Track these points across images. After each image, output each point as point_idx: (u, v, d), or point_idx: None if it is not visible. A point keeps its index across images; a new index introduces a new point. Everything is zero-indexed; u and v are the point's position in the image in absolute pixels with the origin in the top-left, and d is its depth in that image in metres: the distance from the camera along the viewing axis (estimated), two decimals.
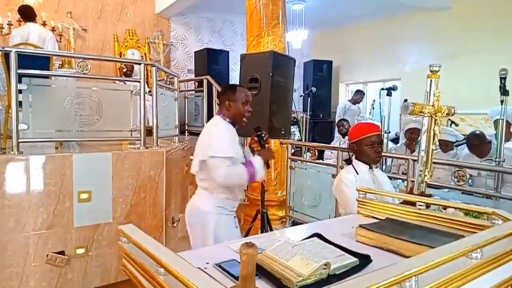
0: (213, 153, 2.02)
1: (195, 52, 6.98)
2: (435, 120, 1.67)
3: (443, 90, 1.72)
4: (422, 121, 1.71)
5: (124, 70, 5.88)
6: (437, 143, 1.84)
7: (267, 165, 2.19)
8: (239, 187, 2.24)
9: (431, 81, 1.65)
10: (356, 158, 2.17)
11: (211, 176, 2.05)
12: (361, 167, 2.12)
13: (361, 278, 0.71)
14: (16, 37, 4.53)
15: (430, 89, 1.65)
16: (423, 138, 1.72)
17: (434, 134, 1.69)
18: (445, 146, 3.98)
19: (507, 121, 2.99)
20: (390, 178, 2.59)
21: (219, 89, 5.30)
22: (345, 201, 2.06)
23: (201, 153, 2.10)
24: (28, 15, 4.75)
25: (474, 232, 1.12)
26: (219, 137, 2.07)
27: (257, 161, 2.12)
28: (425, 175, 1.72)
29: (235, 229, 2.25)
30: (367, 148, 2.09)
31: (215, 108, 5.32)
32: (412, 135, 4.39)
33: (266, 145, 2.29)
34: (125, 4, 6.88)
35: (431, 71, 1.64)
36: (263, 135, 2.27)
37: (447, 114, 1.72)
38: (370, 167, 2.14)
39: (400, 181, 3.22)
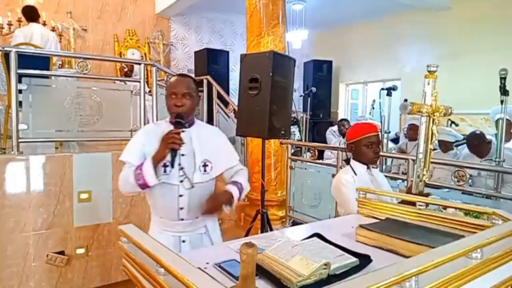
0: (122, 156, 1.75)
1: (195, 52, 6.98)
2: (433, 119, 1.68)
3: (443, 90, 1.72)
4: (420, 120, 1.72)
5: (125, 69, 5.88)
6: (436, 142, 1.85)
7: (171, 164, 1.66)
8: (162, 203, 1.77)
9: (428, 81, 1.66)
10: (354, 158, 2.17)
11: None
12: (359, 167, 2.12)
13: (361, 278, 0.71)
14: (19, 37, 4.53)
15: (427, 89, 1.66)
16: (421, 138, 1.72)
17: (432, 133, 1.69)
18: (444, 146, 3.98)
19: (507, 120, 2.99)
20: (390, 178, 2.60)
21: (219, 89, 5.31)
22: (344, 202, 2.06)
23: None
24: (31, 16, 4.76)
25: (474, 232, 1.12)
26: (131, 141, 1.81)
27: (148, 159, 1.64)
28: (423, 175, 1.73)
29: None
30: (365, 148, 2.09)
31: (215, 108, 5.32)
32: (410, 131, 4.46)
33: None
34: (125, 4, 6.88)
35: (429, 71, 1.65)
36: (178, 124, 1.71)
37: (445, 114, 1.72)
38: (368, 168, 2.14)
39: (400, 181, 3.22)
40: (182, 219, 1.75)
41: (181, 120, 1.72)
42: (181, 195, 1.73)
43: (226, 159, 1.86)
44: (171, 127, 1.71)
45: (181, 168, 1.72)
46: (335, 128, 5.87)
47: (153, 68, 3.42)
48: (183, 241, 1.75)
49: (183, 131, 1.70)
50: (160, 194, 1.74)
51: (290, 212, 3.94)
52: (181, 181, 1.72)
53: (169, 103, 1.75)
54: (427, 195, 1.72)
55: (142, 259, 0.89)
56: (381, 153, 2.25)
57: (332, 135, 5.86)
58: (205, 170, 1.77)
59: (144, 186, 1.64)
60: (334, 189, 2.16)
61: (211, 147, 1.81)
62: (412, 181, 1.83)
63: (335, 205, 3.28)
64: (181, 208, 1.74)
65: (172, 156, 1.65)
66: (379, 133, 2.23)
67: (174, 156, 1.66)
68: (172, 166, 1.67)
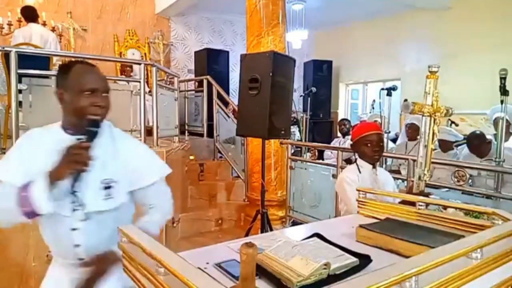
0: None
1: (195, 52, 6.99)
2: (434, 119, 1.69)
3: (443, 90, 1.73)
4: (421, 120, 1.72)
5: (128, 69, 5.89)
6: (436, 142, 1.85)
7: (75, 181, 1.24)
8: (53, 239, 1.39)
9: (429, 81, 1.66)
10: (359, 157, 2.20)
11: None
12: (365, 166, 2.15)
13: (361, 278, 0.71)
14: (18, 37, 4.54)
15: (429, 90, 1.66)
16: (422, 138, 1.73)
17: (434, 133, 1.70)
18: (444, 146, 3.98)
19: (507, 120, 2.99)
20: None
21: (219, 89, 5.30)
22: (346, 199, 2.09)
23: None
24: (30, 16, 4.77)
25: (474, 232, 1.12)
26: (9, 151, 1.35)
27: (38, 180, 1.19)
28: (424, 174, 1.73)
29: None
30: (365, 147, 2.12)
31: (215, 108, 5.32)
32: (409, 130, 4.47)
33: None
34: (125, 4, 6.88)
35: (430, 71, 1.66)
36: (91, 135, 1.28)
37: (446, 114, 1.73)
38: (374, 167, 2.15)
39: (400, 181, 3.23)
40: (81, 259, 1.32)
41: (96, 130, 1.29)
42: (74, 229, 1.30)
43: (139, 176, 1.39)
44: (65, 136, 1.31)
45: (73, 192, 1.26)
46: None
47: (153, 68, 3.42)
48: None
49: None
50: (48, 227, 1.35)
51: (290, 212, 3.95)
52: (74, 210, 1.28)
53: (82, 103, 1.28)
54: (427, 195, 1.72)
55: (142, 259, 0.89)
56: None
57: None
58: (108, 194, 1.31)
59: (31, 215, 1.23)
60: (338, 185, 2.20)
61: (121, 160, 1.36)
62: (412, 181, 1.84)
63: (335, 205, 3.29)
64: (77, 246, 1.31)
65: (74, 180, 1.24)
66: (381, 131, 2.24)
67: (77, 179, 1.24)
68: (72, 192, 1.26)
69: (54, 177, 1.20)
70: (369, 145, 2.11)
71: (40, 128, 1.36)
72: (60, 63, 5.41)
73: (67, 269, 1.35)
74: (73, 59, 1.48)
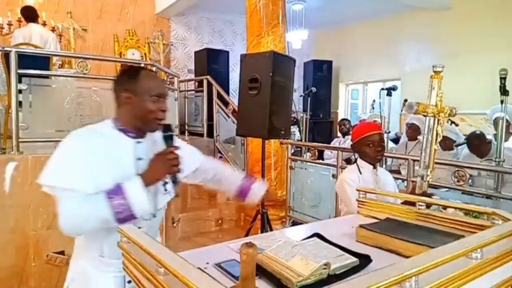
0: (43, 180, 1.26)
1: (195, 52, 6.98)
2: (438, 120, 1.68)
3: (443, 90, 1.72)
4: (424, 121, 1.72)
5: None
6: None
7: (174, 183, 1.35)
8: (110, 241, 1.28)
9: (434, 81, 1.65)
10: (360, 157, 2.19)
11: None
12: (365, 167, 2.14)
13: (361, 278, 0.71)
14: (18, 37, 4.54)
15: (433, 90, 1.66)
16: (425, 138, 1.72)
17: (437, 134, 1.70)
18: (444, 143, 3.98)
19: (506, 120, 2.99)
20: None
21: (220, 89, 5.29)
22: (347, 199, 2.08)
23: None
24: (30, 16, 4.77)
25: (474, 232, 1.12)
26: (60, 155, 1.27)
27: (131, 183, 1.23)
28: (427, 175, 1.73)
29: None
30: (366, 147, 2.11)
31: (215, 108, 5.32)
32: (409, 130, 4.47)
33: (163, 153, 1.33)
34: (125, 4, 6.88)
35: (435, 71, 1.65)
36: (172, 141, 1.36)
37: (449, 115, 1.73)
38: (374, 167, 2.15)
39: (400, 181, 3.22)
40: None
41: (173, 134, 1.35)
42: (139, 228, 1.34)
43: (188, 163, 1.46)
44: (126, 139, 1.34)
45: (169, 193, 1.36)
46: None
47: (153, 68, 3.43)
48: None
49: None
50: (107, 229, 1.25)
51: (290, 212, 3.95)
52: None
53: (151, 107, 1.31)
54: (430, 195, 1.72)
55: (142, 258, 0.89)
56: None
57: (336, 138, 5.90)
58: (165, 190, 1.39)
59: (125, 220, 1.20)
60: (338, 186, 2.19)
61: None
62: (412, 181, 1.84)
63: (335, 205, 3.29)
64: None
65: (173, 182, 1.34)
66: (382, 131, 2.23)
67: (176, 181, 1.34)
68: (177, 195, 1.38)
69: (152, 180, 1.27)
70: (371, 145, 2.10)
71: (84, 131, 1.32)
72: (60, 63, 5.43)
73: (115, 267, 1.29)
74: (135, 65, 1.53)
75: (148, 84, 1.33)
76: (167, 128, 1.36)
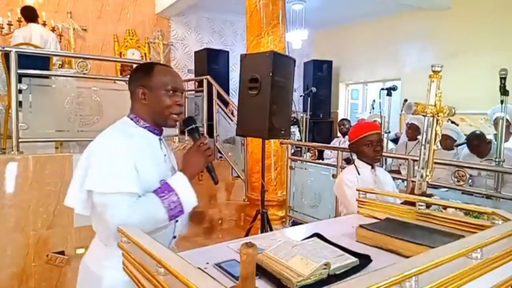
0: (92, 186, 1.20)
1: (195, 52, 6.98)
2: (437, 120, 1.68)
3: (443, 90, 1.72)
4: (423, 121, 1.71)
5: (129, 68, 5.90)
6: (438, 143, 1.85)
7: (212, 176, 1.40)
8: (158, 232, 1.27)
9: (432, 81, 1.65)
10: (357, 158, 2.17)
11: (103, 219, 1.20)
12: (363, 167, 2.12)
13: (361, 278, 0.71)
14: (18, 37, 4.54)
15: (432, 90, 1.65)
16: (424, 138, 1.72)
17: (436, 134, 1.69)
18: (445, 142, 3.97)
19: (507, 120, 2.99)
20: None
21: (220, 89, 5.29)
22: (346, 201, 2.06)
23: (73, 184, 1.33)
24: (30, 16, 4.77)
25: (474, 232, 1.12)
26: (102, 159, 1.22)
27: (178, 182, 1.25)
28: (426, 175, 1.73)
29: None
30: (365, 147, 2.09)
31: (215, 108, 5.32)
32: (409, 130, 4.48)
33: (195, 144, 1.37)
34: (125, 4, 6.88)
35: (433, 71, 1.65)
36: (197, 131, 1.41)
37: (448, 114, 1.72)
38: (373, 167, 2.14)
39: (400, 181, 3.22)
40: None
41: (197, 125, 1.41)
42: (177, 221, 1.33)
43: None
44: (153, 136, 1.35)
45: (217, 182, 1.41)
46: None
47: None
48: None
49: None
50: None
51: (290, 212, 3.94)
52: None
53: (167, 102, 1.30)
54: (430, 195, 1.72)
55: (142, 259, 0.89)
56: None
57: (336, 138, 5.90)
58: None
59: (175, 217, 1.23)
60: (337, 188, 2.17)
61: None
62: (412, 181, 1.84)
63: (335, 205, 3.28)
64: (174, 237, 1.38)
65: (211, 171, 1.38)
66: (380, 131, 2.22)
67: (213, 170, 1.39)
68: (217, 182, 1.40)
69: (194, 174, 1.29)
70: (369, 145, 2.08)
71: (117, 132, 1.29)
72: (60, 63, 5.43)
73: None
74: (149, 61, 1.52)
75: (163, 78, 1.32)
76: (189, 121, 1.40)
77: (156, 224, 1.21)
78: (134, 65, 5.67)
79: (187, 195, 1.23)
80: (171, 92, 1.32)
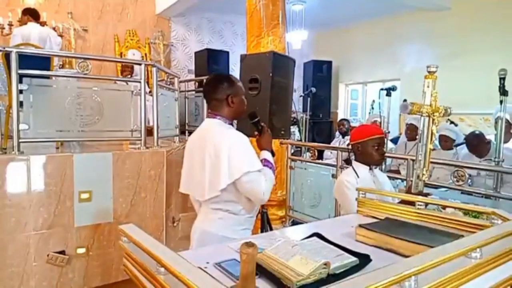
0: (248, 169, 1.69)
1: (196, 53, 6.98)
2: (433, 119, 1.69)
3: (442, 90, 1.73)
4: (420, 120, 1.72)
5: (129, 69, 5.90)
6: (436, 142, 1.86)
7: (271, 152, 1.94)
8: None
9: (428, 81, 1.67)
10: (356, 159, 2.17)
11: (251, 194, 1.74)
12: (361, 168, 2.12)
13: (360, 278, 0.71)
14: (17, 36, 4.55)
15: (427, 90, 1.67)
16: (421, 138, 1.73)
17: (432, 133, 1.70)
18: (445, 142, 3.98)
19: (507, 121, 2.99)
20: (390, 178, 2.60)
21: None
22: (347, 204, 2.05)
23: (227, 175, 1.70)
24: (34, 16, 4.79)
25: (474, 232, 1.12)
26: (245, 149, 1.74)
27: (268, 156, 1.87)
28: (423, 174, 1.73)
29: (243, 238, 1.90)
30: (372, 149, 2.10)
31: None
32: (408, 130, 4.52)
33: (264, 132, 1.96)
34: (126, 5, 6.88)
35: (429, 72, 1.66)
36: (260, 122, 1.96)
37: (444, 114, 1.73)
38: (371, 168, 2.14)
39: (400, 181, 3.23)
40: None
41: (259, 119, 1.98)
42: None
43: None
44: (241, 133, 1.84)
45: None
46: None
47: (154, 69, 3.42)
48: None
49: None
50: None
51: (290, 212, 3.95)
52: None
53: (245, 103, 1.89)
54: (426, 195, 1.72)
55: (143, 258, 0.90)
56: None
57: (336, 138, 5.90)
58: None
59: (273, 171, 1.85)
60: (337, 191, 2.16)
61: None
62: (412, 181, 1.84)
63: (335, 205, 3.29)
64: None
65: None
66: (385, 135, 2.25)
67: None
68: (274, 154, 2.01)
69: (270, 148, 1.91)
70: (376, 148, 2.09)
71: (232, 129, 1.83)
72: (61, 63, 5.42)
73: (250, 224, 1.90)
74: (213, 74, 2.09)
75: (240, 86, 1.88)
76: (254, 115, 1.93)
77: (273, 182, 1.81)
78: (135, 65, 5.72)
79: (272, 160, 1.87)
80: (243, 95, 1.88)
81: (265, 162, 1.82)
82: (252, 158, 1.73)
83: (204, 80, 5.37)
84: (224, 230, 1.77)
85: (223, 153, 1.70)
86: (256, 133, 1.98)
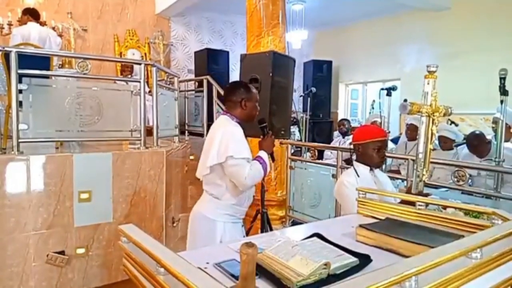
0: (232, 153, 1.95)
1: (195, 52, 6.98)
2: (433, 120, 1.69)
3: (442, 90, 1.73)
4: (420, 120, 1.72)
5: (129, 69, 5.89)
6: (436, 142, 1.86)
7: (271, 157, 2.15)
8: (248, 193, 2.13)
9: (428, 81, 1.66)
10: (357, 159, 2.17)
11: (234, 177, 1.98)
12: (362, 169, 2.12)
13: (361, 278, 0.71)
14: (17, 36, 4.54)
15: (427, 89, 1.66)
16: (421, 138, 1.72)
17: (432, 133, 1.70)
18: (445, 143, 3.98)
19: (506, 124, 2.99)
20: (390, 178, 2.60)
21: (219, 89, 5.30)
22: (348, 204, 2.04)
23: (216, 156, 1.98)
24: (34, 16, 4.79)
25: (474, 232, 1.12)
26: (235, 138, 2.00)
27: (264, 155, 2.08)
28: (423, 175, 1.73)
29: (242, 239, 2.03)
30: (373, 151, 2.09)
31: (215, 108, 5.32)
32: (408, 130, 4.51)
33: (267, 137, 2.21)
34: (125, 4, 6.88)
35: (429, 71, 1.66)
36: (267, 128, 2.22)
37: (444, 114, 1.73)
38: (371, 169, 2.14)
39: (400, 181, 3.23)
40: (246, 206, 2.18)
41: (266, 124, 2.24)
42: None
43: None
44: (239, 128, 2.07)
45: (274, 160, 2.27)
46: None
47: (153, 68, 3.42)
48: (243, 226, 2.20)
49: None
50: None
51: (290, 212, 3.95)
52: None
53: (256, 109, 2.14)
54: (426, 195, 1.72)
55: (142, 258, 0.90)
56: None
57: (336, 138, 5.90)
58: None
59: (265, 170, 2.04)
60: (337, 191, 2.16)
61: None
62: (412, 181, 1.84)
63: (335, 205, 3.29)
64: (253, 196, 2.20)
65: (272, 154, 2.19)
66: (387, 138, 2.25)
67: (272, 154, 2.21)
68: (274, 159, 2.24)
69: (268, 152, 2.11)
70: (378, 150, 2.09)
71: (232, 124, 2.07)
72: (61, 63, 5.41)
73: (240, 216, 2.17)
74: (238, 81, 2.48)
75: (255, 93, 2.16)
76: (263, 121, 2.21)
77: (260, 175, 2.02)
78: (134, 65, 5.72)
79: (268, 163, 2.07)
80: (257, 103, 2.15)
81: (258, 158, 2.05)
82: (240, 147, 1.98)
83: (204, 80, 5.42)
84: (207, 210, 2.09)
85: (216, 139, 2.00)
86: (261, 136, 2.21)
